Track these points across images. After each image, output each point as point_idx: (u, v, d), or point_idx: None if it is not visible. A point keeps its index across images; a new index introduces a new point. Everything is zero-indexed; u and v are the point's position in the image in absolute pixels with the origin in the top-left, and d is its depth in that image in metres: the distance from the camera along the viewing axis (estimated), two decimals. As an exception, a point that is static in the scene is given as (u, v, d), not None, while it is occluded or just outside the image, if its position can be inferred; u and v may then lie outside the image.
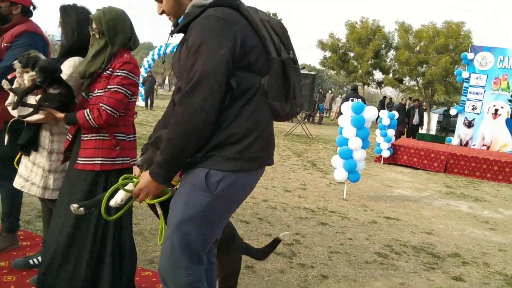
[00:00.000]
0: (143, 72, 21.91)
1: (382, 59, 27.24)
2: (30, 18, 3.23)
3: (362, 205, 6.43)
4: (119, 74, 2.50)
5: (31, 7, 3.22)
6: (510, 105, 13.81)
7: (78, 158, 2.57)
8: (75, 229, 2.56)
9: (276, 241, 2.78)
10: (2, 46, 3.06)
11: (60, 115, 2.53)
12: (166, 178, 1.84)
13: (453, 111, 15.06)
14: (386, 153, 10.97)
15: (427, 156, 11.14)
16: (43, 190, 2.80)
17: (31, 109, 2.57)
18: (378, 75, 28.91)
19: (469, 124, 14.31)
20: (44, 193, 2.81)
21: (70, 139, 2.72)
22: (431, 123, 22.97)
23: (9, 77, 2.84)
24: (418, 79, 25.83)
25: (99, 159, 2.53)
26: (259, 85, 1.89)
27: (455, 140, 14.53)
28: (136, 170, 2.15)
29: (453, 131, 20.23)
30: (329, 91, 30.13)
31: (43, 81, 2.47)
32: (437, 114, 23.37)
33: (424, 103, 25.90)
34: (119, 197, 1.99)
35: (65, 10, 2.78)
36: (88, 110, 2.47)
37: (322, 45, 28.08)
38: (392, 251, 4.48)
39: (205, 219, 1.87)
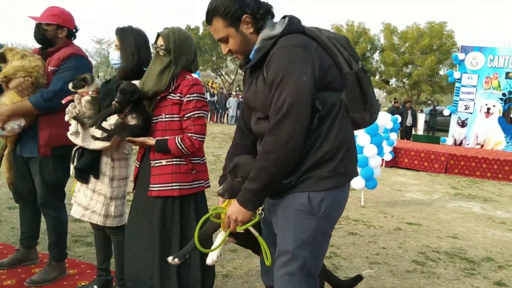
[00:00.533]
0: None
1: (368, 62, 27.57)
2: (73, 41, 3.18)
3: (381, 212, 6.47)
4: (192, 98, 2.48)
5: (74, 30, 3.17)
6: (501, 103, 14.11)
7: (151, 185, 2.53)
8: (161, 254, 2.53)
9: (359, 278, 2.71)
10: (49, 69, 3.01)
11: (152, 142, 2.50)
12: (257, 205, 1.87)
13: (446, 111, 15.31)
14: (388, 157, 11.07)
15: (427, 158, 11.29)
16: (104, 218, 2.76)
17: (97, 135, 2.54)
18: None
19: (463, 124, 14.58)
20: (105, 221, 2.76)
21: (138, 166, 2.68)
22: (418, 123, 23.34)
23: (63, 101, 2.79)
24: (404, 80, 26.21)
25: (177, 184, 2.51)
26: (340, 101, 1.93)
27: (449, 140, 14.77)
28: (219, 200, 2.14)
29: (440, 130, 20.67)
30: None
31: (121, 102, 2.43)
32: (424, 114, 23.77)
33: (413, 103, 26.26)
34: (214, 254, 2.01)
35: (123, 33, 2.74)
36: (179, 139, 2.46)
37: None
38: (428, 258, 4.51)
39: (316, 241, 1.90)
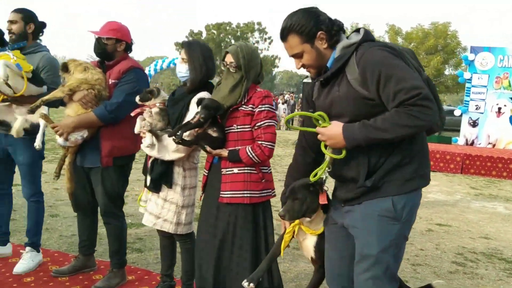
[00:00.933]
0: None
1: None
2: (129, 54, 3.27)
3: (409, 213, 6.53)
4: (263, 109, 2.57)
5: (131, 43, 3.26)
6: (512, 102, 14.18)
7: (222, 192, 2.61)
8: (230, 260, 2.60)
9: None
10: (110, 82, 3.09)
11: (225, 154, 2.58)
12: (355, 144, 1.89)
13: (457, 112, 15.37)
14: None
15: (443, 158, 11.35)
16: (176, 226, 2.84)
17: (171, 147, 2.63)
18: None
19: (474, 124, 14.62)
20: (177, 228, 2.84)
21: (206, 174, 2.76)
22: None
23: (132, 114, 2.88)
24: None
25: (248, 192, 2.58)
26: None
27: (461, 140, 14.82)
28: (283, 222, 2.29)
29: (447, 130, 20.73)
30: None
31: (206, 118, 2.52)
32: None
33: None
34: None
35: (190, 46, 2.84)
36: (250, 148, 2.55)
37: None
38: (467, 259, 4.58)
39: (397, 245, 1.98)
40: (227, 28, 48.10)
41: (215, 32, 47.47)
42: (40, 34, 3.49)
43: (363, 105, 1.90)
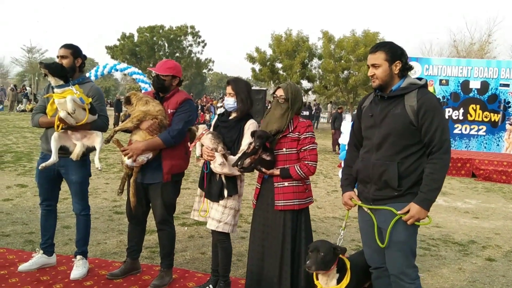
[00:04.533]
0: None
1: (308, 69, 29.23)
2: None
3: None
4: (308, 136, 3.31)
5: (182, 79, 3.88)
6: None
7: (276, 201, 3.30)
8: (281, 258, 3.30)
9: None
10: (169, 112, 3.68)
11: (277, 173, 3.27)
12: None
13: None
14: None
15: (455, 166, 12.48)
16: (232, 227, 3.52)
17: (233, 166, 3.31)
18: (304, 83, 30.93)
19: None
20: (233, 229, 3.53)
21: (259, 187, 3.45)
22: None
23: (190, 148, 3.57)
24: (342, 85, 28.14)
25: (297, 201, 3.30)
26: None
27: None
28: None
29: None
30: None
31: (260, 145, 3.19)
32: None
33: (348, 106, 28.29)
34: None
35: (236, 82, 3.56)
36: (298, 167, 3.25)
37: (251, 58, 29.41)
38: (429, 245, 5.64)
39: (415, 234, 2.84)
40: (160, 31, 47.78)
41: (148, 35, 46.97)
42: (83, 65, 3.95)
43: (407, 126, 2.71)
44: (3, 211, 5.85)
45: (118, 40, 46.49)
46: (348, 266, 2.91)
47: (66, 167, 3.82)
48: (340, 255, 2.92)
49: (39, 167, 3.73)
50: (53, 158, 3.66)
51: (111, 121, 18.89)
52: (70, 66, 3.77)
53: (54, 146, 3.65)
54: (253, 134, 3.29)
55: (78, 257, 3.96)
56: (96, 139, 3.76)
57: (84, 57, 3.92)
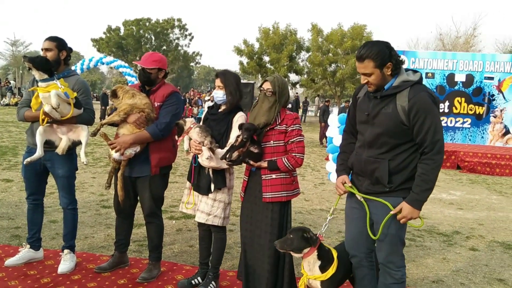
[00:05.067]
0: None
1: (296, 62, 29.25)
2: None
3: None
4: (295, 128, 3.32)
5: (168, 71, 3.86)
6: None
7: (264, 193, 3.33)
8: (269, 249, 3.33)
9: None
10: (156, 105, 3.68)
11: (264, 165, 3.29)
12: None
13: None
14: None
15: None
16: (223, 219, 3.53)
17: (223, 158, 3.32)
18: (292, 76, 30.97)
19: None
20: (223, 222, 3.54)
21: (246, 180, 3.47)
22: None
23: (178, 141, 3.55)
24: (330, 78, 28.25)
25: (284, 192, 3.33)
26: None
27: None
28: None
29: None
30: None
31: (247, 138, 3.21)
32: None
33: (336, 99, 28.43)
34: None
35: (224, 75, 3.55)
36: (285, 159, 3.27)
37: (239, 51, 29.33)
38: (414, 236, 5.72)
39: (405, 225, 2.88)
40: (147, 24, 47.31)
41: (134, 28, 46.48)
42: (69, 58, 3.91)
43: (398, 125, 2.70)
44: (-12, 206, 5.80)
45: (104, 33, 45.92)
46: (335, 256, 2.96)
47: (52, 161, 3.80)
48: (330, 247, 2.99)
49: (24, 162, 3.71)
50: (39, 152, 3.63)
51: (97, 115, 18.80)
52: (55, 59, 3.72)
53: (39, 140, 3.62)
54: (240, 127, 3.31)
55: (66, 251, 3.95)
56: (82, 133, 3.73)
57: (70, 50, 3.88)
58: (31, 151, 3.76)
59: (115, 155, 3.55)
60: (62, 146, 3.70)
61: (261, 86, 3.42)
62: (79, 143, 3.77)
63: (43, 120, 3.56)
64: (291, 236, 2.91)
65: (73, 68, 22.08)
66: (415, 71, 2.81)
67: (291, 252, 2.96)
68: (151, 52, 3.84)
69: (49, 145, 3.72)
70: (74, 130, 3.73)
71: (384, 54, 2.66)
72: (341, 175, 3.04)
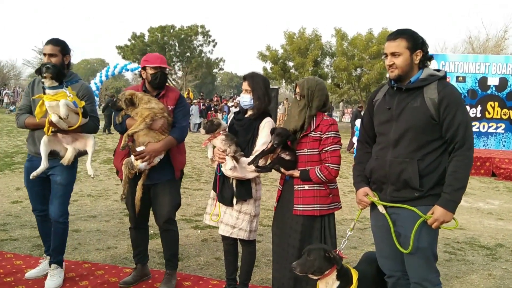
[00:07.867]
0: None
1: (321, 67, 28.89)
2: None
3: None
4: (330, 135, 3.04)
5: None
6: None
7: (295, 205, 3.06)
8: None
9: None
10: (169, 108, 3.49)
11: (296, 174, 3.03)
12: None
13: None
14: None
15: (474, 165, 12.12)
16: (249, 233, 3.27)
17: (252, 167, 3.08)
18: (316, 81, 30.56)
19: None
20: (250, 235, 3.28)
21: (280, 189, 3.21)
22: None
23: (203, 145, 3.34)
24: (355, 83, 27.77)
25: (317, 206, 3.05)
26: None
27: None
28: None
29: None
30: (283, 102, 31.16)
31: (279, 144, 2.97)
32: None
33: (361, 104, 27.87)
34: None
35: (252, 78, 3.30)
36: (318, 169, 3.00)
37: (263, 57, 29.15)
38: (454, 249, 5.34)
39: (437, 236, 2.65)
40: (171, 30, 47.70)
41: (158, 35, 46.94)
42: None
43: (427, 120, 2.49)
44: (12, 214, 5.70)
45: (129, 40, 46.52)
46: (356, 278, 2.67)
47: (53, 168, 3.54)
48: (349, 266, 2.72)
49: (30, 177, 3.45)
50: (44, 164, 3.41)
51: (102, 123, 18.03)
52: (60, 65, 3.45)
53: (43, 151, 3.41)
54: (272, 131, 3.06)
55: (53, 266, 3.65)
56: (88, 142, 3.55)
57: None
58: (32, 160, 3.58)
59: (142, 165, 3.33)
60: (68, 156, 3.51)
61: (295, 90, 3.18)
62: (85, 153, 3.58)
63: (48, 129, 3.33)
64: (311, 257, 2.59)
65: (97, 74, 22.43)
66: (437, 70, 2.64)
67: (311, 275, 2.64)
68: (154, 53, 3.71)
69: (53, 156, 3.51)
70: (80, 139, 3.54)
71: (417, 39, 2.58)
72: (361, 187, 2.79)
